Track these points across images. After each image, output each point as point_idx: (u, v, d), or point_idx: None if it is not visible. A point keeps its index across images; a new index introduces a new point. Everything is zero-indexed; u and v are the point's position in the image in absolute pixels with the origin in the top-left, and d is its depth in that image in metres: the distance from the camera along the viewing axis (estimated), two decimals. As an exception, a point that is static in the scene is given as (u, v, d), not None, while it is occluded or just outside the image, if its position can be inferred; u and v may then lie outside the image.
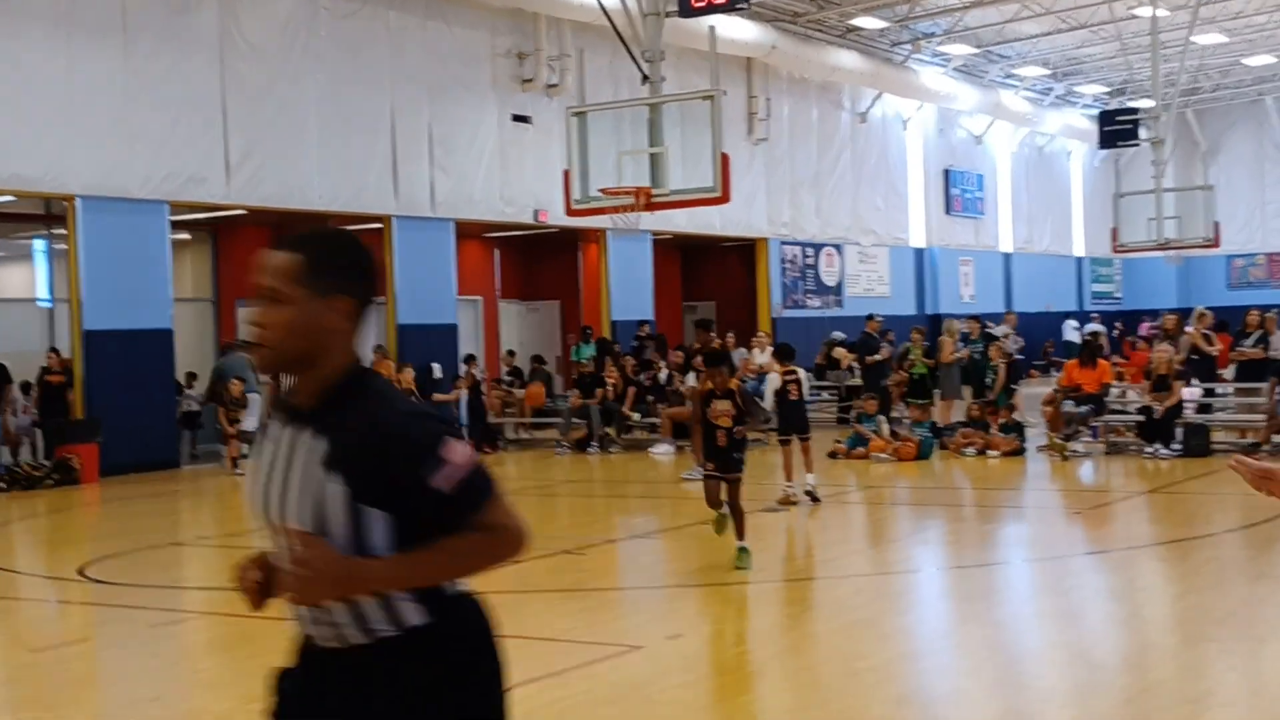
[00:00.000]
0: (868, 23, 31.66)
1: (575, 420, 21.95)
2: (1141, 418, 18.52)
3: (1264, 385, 18.81)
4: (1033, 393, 23.47)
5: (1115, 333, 37.80)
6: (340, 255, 3.09)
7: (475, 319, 28.81)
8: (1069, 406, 18.99)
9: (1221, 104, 44.02)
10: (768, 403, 14.53)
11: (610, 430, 21.75)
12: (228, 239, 25.46)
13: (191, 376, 23.26)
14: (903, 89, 34.89)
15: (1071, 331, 38.30)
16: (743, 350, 24.94)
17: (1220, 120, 44.62)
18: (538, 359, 25.85)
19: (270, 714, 3.14)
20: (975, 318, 23.63)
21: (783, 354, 15.02)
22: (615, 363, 22.76)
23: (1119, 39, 33.82)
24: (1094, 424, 19.47)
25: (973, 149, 39.91)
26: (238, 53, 21.42)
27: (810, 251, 33.36)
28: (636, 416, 22.10)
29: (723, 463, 10.44)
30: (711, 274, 34.18)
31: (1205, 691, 7.07)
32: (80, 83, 19.45)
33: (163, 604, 10.17)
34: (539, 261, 30.84)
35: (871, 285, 35.41)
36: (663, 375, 22.60)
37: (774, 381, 14.42)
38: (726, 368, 10.83)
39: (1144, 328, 22.37)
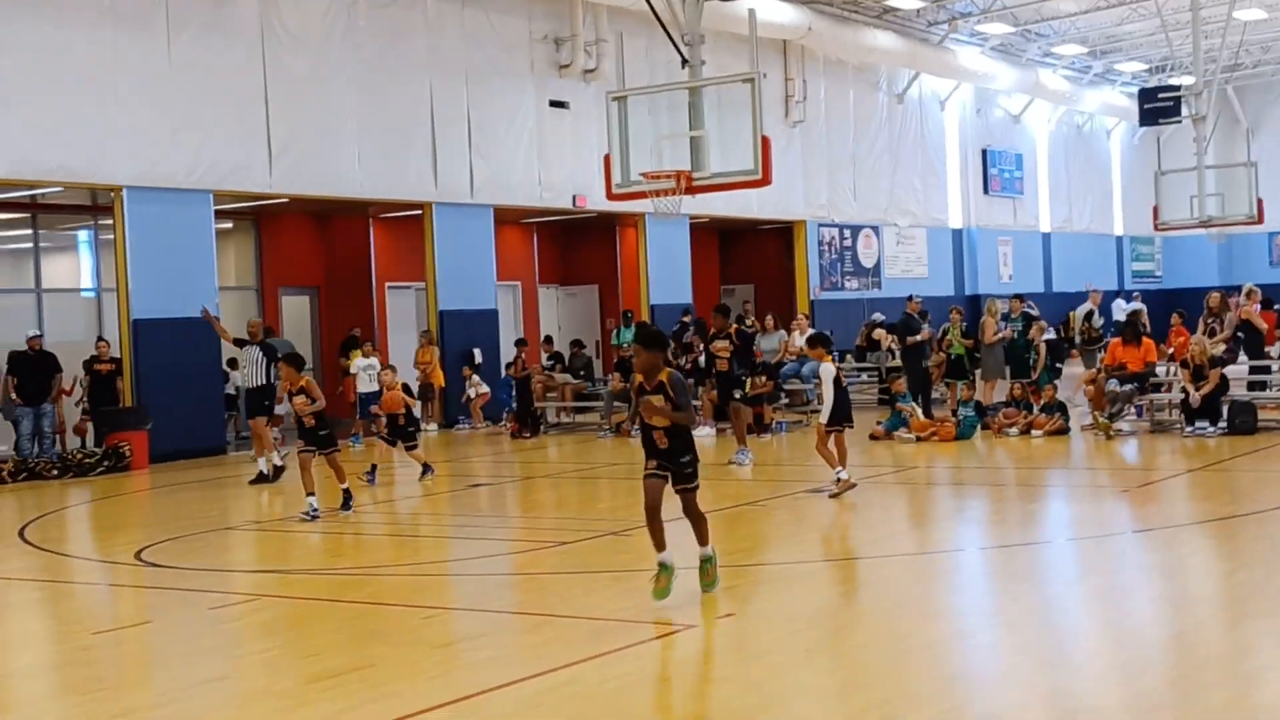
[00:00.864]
0: (904, 3, 31.57)
1: (616, 404, 22.05)
2: (1184, 395, 18.47)
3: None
4: (1074, 372, 23.42)
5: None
6: None
7: (514, 304, 28.97)
8: (1113, 385, 18.94)
9: (1263, 80, 43.63)
10: (828, 392, 13.63)
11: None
12: (270, 227, 25.69)
13: (233, 363, 23.46)
14: (940, 69, 34.76)
15: (1120, 311, 38.07)
16: (782, 333, 24.99)
17: (1262, 96, 44.23)
18: (577, 343, 25.96)
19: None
20: (1018, 297, 23.56)
21: (819, 342, 14.60)
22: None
23: (1159, 15, 33.57)
24: (1138, 402, 19.42)
25: (1011, 128, 39.72)
26: (278, 42, 21.59)
27: (848, 233, 33.32)
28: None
29: (666, 464, 8.82)
30: (749, 257, 34.21)
31: (1256, 669, 7.10)
32: (125, 75, 19.66)
33: (219, 587, 10.33)
34: (577, 246, 30.95)
35: (910, 266, 35.35)
36: (703, 359, 22.64)
37: (830, 371, 13.66)
38: (659, 352, 8.90)
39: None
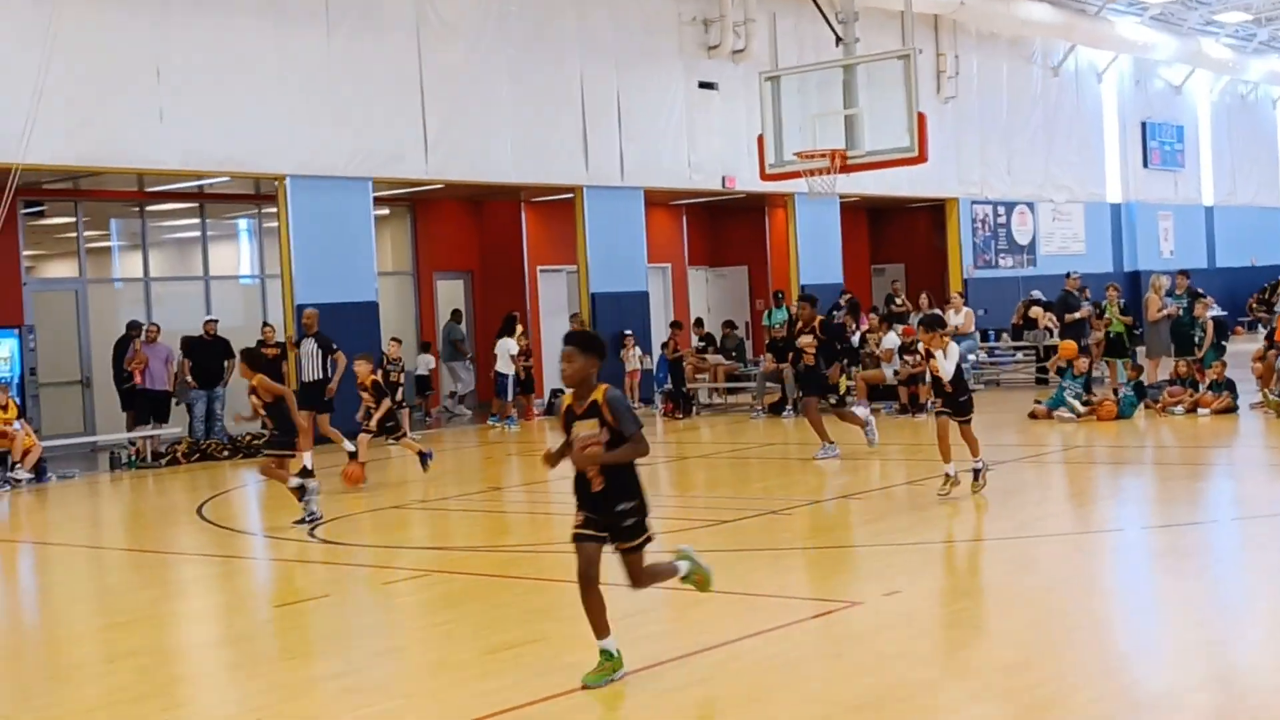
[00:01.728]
0: (1060, -26, 30.92)
1: (769, 384, 22.08)
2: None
3: None
4: (1240, 349, 22.78)
5: None
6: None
7: (665, 286, 29.12)
8: (1283, 362, 18.39)
9: None
10: (948, 374, 12.04)
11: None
12: (425, 212, 26.20)
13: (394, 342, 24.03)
14: (1097, 40, 33.97)
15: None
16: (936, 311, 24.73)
17: None
18: (728, 324, 26.01)
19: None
20: (1183, 272, 22.98)
21: (932, 324, 12.47)
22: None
23: (1327, -21, 32.38)
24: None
25: (1171, 99, 38.66)
26: (432, 31, 22.00)
27: (1001, 210, 32.80)
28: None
29: (599, 517, 6.68)
30: (899, 236, 33.89)
31: None
32: (287, 68, 20.23)
33: (390, 563, 10.66)
34: (726, 227, 30.99)
35: (1066, 243, 34.66)
36: (856, 338, 22.57)
37: (955, 353, 12.19)
38: (594, 358, 6.80)
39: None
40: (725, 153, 25.89)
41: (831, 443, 15.44)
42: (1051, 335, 23.88)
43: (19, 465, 17.22)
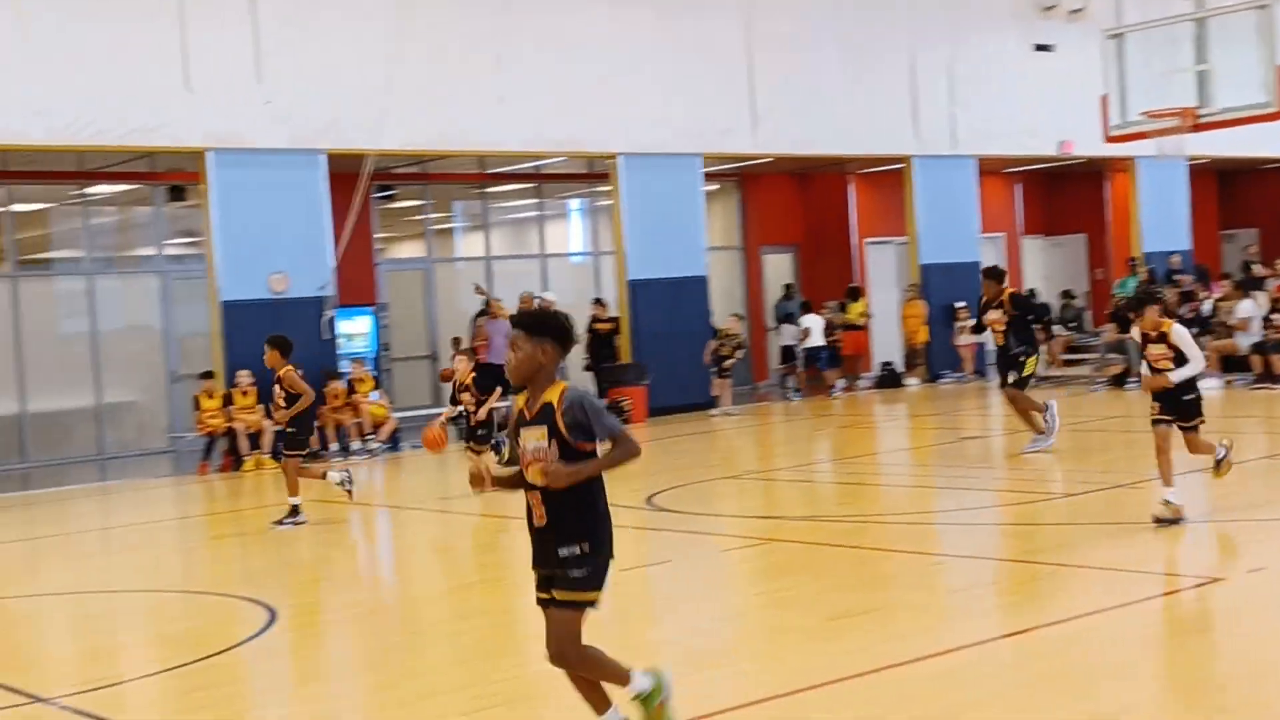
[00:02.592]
0: None
1: (1111, 355, 21.19)
2: None
3: None
4: None
5: None
6: None
7: (998, 256, 28.33)
8: None
9: None
10: (1194, 366, 9.34)
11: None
12: (752, 187, 26.31)
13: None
14: None
15: None
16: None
17: None
18: (1067, 294, 25.12)
19: None
20: None
21: (1146, 301, 9.62)
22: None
23: None
24: None
25: None
26: (761, 7, 22.01)
27: (1369, 168, 30.40)
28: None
29: (544, 564, 5.20)
30: (1252, 198, 31.87)
31: None
32: (620, 48, 20.67)
33: (729, 531, 10.77)
34: (1062, 195, 29.87)
35: None
36: (1206, 307, 21.41)
37: (1182, 334, 9.39)
38: (549, 344, 5.19)
39: None
40: (1062, 117, 24.91)
41: (1043, 433, 13.84)
42: None
43: (372, 436, 18.25)
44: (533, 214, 24.61)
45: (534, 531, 5.20)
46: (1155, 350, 9.41)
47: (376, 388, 18.99)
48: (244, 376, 17.43)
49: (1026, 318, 14.40)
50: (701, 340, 21.68)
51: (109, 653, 8.02)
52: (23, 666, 7.70)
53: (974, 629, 6.99)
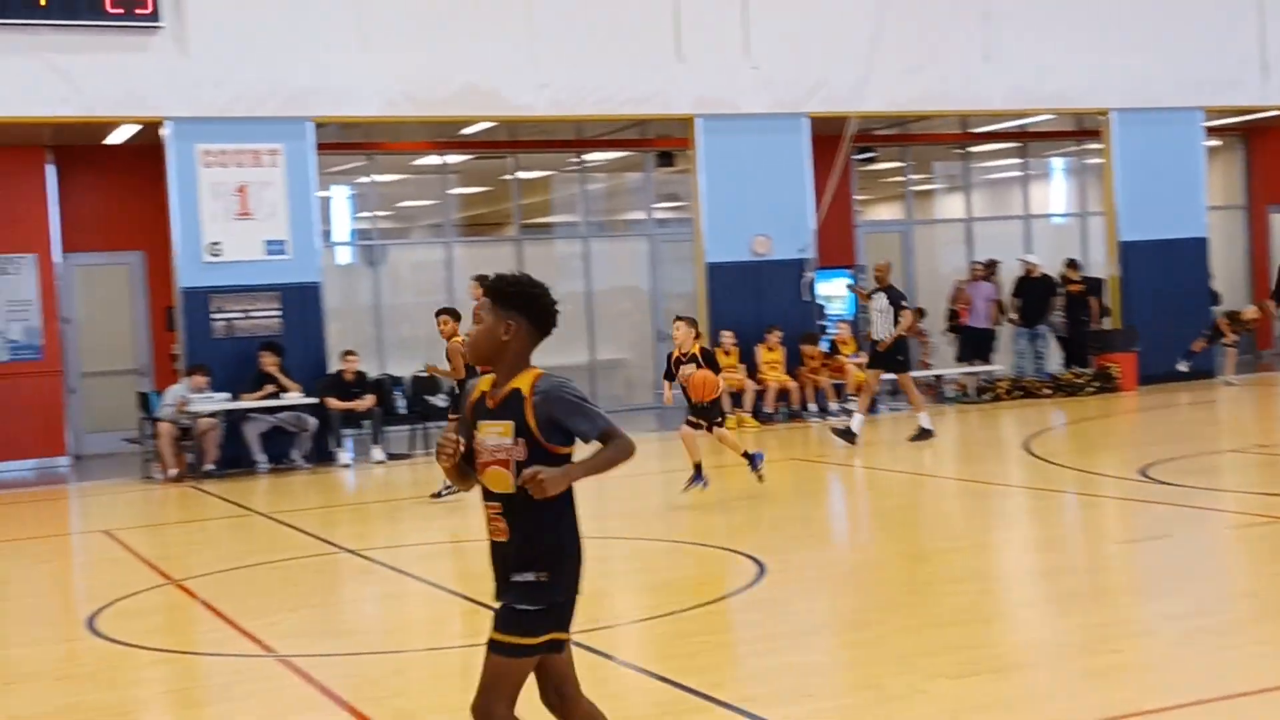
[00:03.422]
0: None
1: None
2: None
3: None
4: None
5: None
6: None
7: None
8: None
9: None
10: None
11: None
12: (1259, 142, 24.41)
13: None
14: None
15: None
16: None
17: None
18: None
19: None
20: None
21: None
22: None
23: None
24: None
25: None
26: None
27: None
28: None
29: (497, 593, 4.32)
30: None
31: None
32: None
33: (1235, 507, 10.07)
34: None
35: None
36: None
37: None
38: (514, 317, 4.33)
39: None
40: None
41: None
42: None
43: (853, 397, 18.28)
44: (1016, 174, 23.85)
45: (493, 548, 4.31)
46: None
47: (858, 351, 19.02)
48: (727, 337, 17.86)
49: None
50: (1201, 305, 20.38)
51: (606, 595, 8.43)
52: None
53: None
